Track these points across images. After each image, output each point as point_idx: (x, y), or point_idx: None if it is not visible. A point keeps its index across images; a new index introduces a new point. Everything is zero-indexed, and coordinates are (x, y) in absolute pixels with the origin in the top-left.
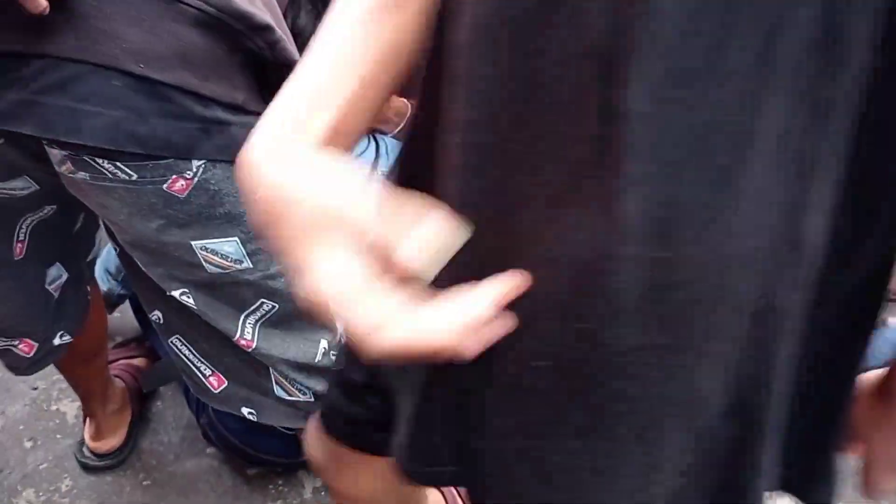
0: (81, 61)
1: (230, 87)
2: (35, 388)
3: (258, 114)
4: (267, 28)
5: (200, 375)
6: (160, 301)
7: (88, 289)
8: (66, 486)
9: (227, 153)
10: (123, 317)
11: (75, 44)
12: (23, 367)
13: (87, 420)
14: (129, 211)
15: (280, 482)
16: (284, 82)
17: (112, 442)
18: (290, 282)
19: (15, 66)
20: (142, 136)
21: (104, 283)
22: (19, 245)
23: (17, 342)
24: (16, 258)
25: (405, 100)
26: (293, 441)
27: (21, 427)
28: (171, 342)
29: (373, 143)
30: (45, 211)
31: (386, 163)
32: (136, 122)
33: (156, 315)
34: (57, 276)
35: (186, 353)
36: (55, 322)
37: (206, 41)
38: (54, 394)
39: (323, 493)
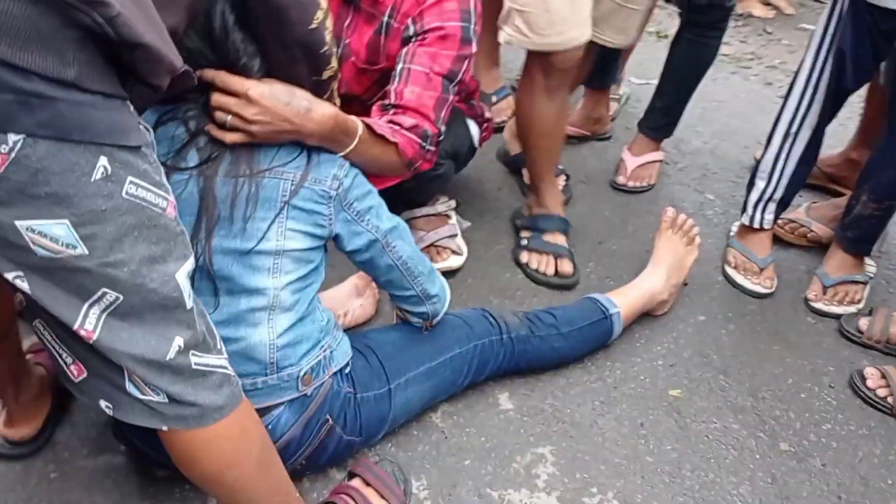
0: None
1: (59, 61)
2: None
3: (99, 93)
4: (100, 3)
5: (62, 363)
6: (9, 283)
7: None
8: None
9: (53, 129)
10: None
11: None
12: None
13: (2, 407)
14: None
15: (187, 486)
16: (136, 62)
17: (24, 430)
18: (137, 271)
19: None
20: None
21: None
22: None
23: None
24: None
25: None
26: None
27: None
28: (35, 325)
29: (304, 153)
30: None
31: (318, 172)
32: None
33: (18, 298)
34: None
35: (48, 336)
36: None
37: (28, 11)
38: None
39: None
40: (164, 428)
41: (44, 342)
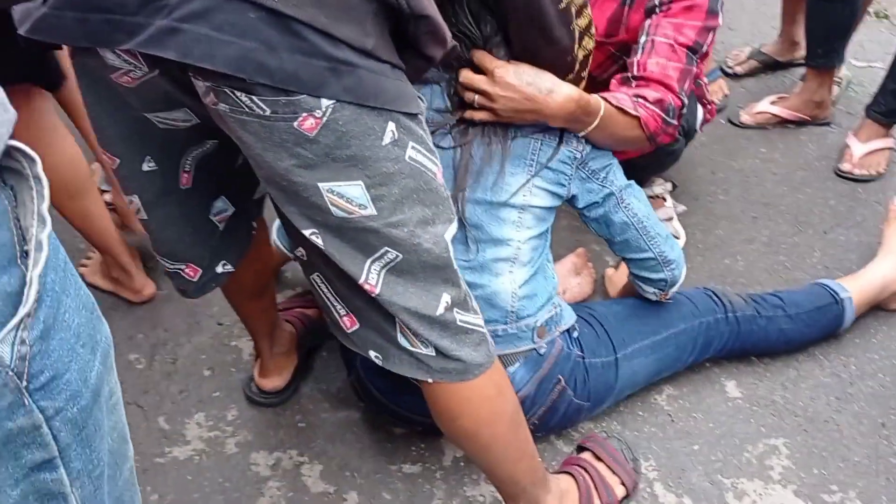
0: None
1: (361, 32)
2: (220, 324)
3: (388, 62)
4: None
5: (336, 314)
6: (300, 238)
7: (254, 224)
8: (232, 415)
9: (355, 95)
10: None
11: None
12: (189, 289)
13: (256, 358)
14: (262, 146)
15: (422, 445)
16: (420, 33)
17: (276, 381)
18: (413, 232)
19: None
20: (271, 67)
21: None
22: (185, 175)
23: (183, 266)
24: (182, 186)
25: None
26: None
27: (202, 356)
28: (313, 278)
29: None
30: (208, 146)
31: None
32: (266, 54)
33: (300, 251)
34: (222, 208)
35: (325, 290)
36: (219, 251)
37: None
38: (235, 331)
39: (462, 464)
40: (430, 380)
41: (319, 294)
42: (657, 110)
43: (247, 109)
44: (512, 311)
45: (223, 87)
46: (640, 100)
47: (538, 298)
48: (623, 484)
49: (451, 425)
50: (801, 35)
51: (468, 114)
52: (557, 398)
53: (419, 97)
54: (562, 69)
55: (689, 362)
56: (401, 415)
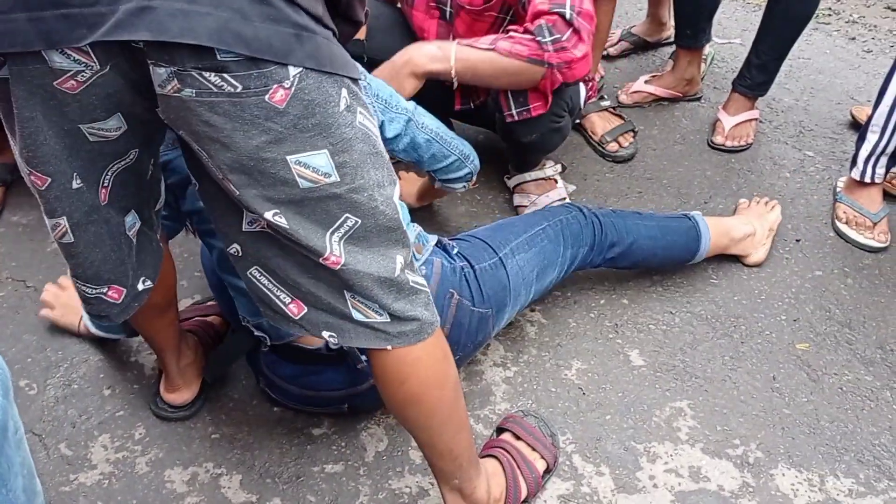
0: None
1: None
2: (116, 341)
3: (331, 29)
4: None
5: (280, 303)
6: (239, 233)
7: (159, 237)
8: (140, 433)
9: (316, 61)
10: (203, 278)
11: None
12: (113, 313)
13: (163, 373)
14: (232, 125)
15: (343, 444)
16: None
17: (185, 395)
18: (372, 195)
19: None
20: (247, 36)
21: None
22: (104, 190)
23: (106, 289)
24: (101, 203)
25: None
26: (347, 370)
27: (101, 375)
28: (250, 273)
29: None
30: (130, 157)
31: None
32: (242, 23)
33: (234, 248)
34: (132, 222)
35: (265, 282)
36: (137, 267)
37: None
38: (134, 346)
39: (384, 458)
40: (389, 347)
41: (257, 288)
42: (526, 37)
43: (216, 90)
44: None
45: (190, 70)
46: (509, 33)
47: None
48: (544, 459)
49: (398, 389)
50: (666, 15)
51: None
52: (457, 311)
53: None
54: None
55: (569, 257)
56: (317, 397)
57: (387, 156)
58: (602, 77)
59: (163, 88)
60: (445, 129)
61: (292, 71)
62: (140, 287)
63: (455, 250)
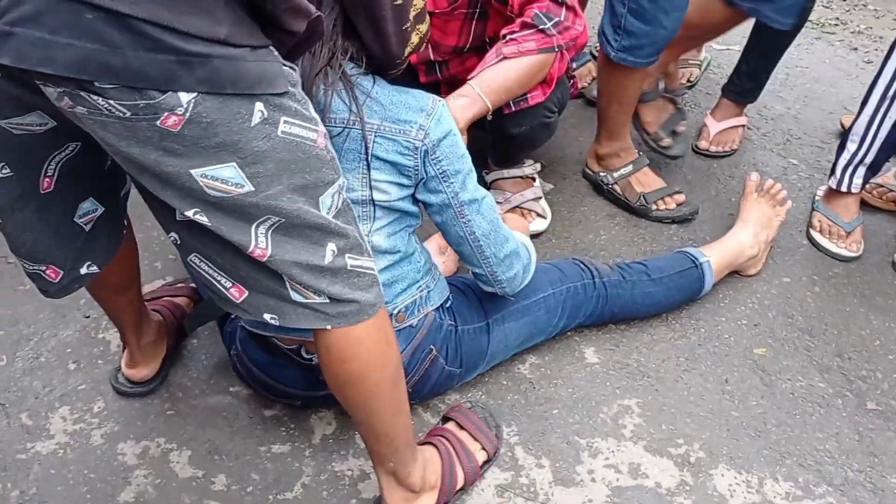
0: None
1: (212, 21)
2: (87, 317)
3: (246, 46)
4: None
5: (221, 288)
6: (173, 223)
7: (125, 223)
8: (98, 407)
9: (211, 85)
10: (177, 260)
11: None
12: (51, 290)
13: (124, 349)
14: (126, 143)
15: (293, 426)
16: (277, 11)
17: (143, 371)
18: (292, 198)
19: None
20: (115, 67)
21: None
22: (47, 179)
23: (43, 268)
24: (42, 191)
25: None
26: (311, 374)
27: (69, 350)
28: (190, 260)
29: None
30: (71, 148)
31: (397, 115)
32: (109, 55)
33: (172, 236)
34: (90, 209)
35: (205, 268)
36: (83, 253)
37: None
38: (103, 323)
39: (331, 441)
40: (328, 327)
41: (199, 273)
42: (527, 32)
43: (105, 112)
44: None
45: (77, 91)
46: (507, 39)
47: (397, 285)
48: (484, 449)
49: (340, 368)
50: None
51: None
52: (430, 366)
53: (290, 67)
54: (388, 66)
55: (561, 327)
56: (276, 388)
57: (326, 154)
58: (594, 79)
59: (59, 103)
60: (497, 242)
61: (185, 97)
62: (83, 271)
63: (448, 304)
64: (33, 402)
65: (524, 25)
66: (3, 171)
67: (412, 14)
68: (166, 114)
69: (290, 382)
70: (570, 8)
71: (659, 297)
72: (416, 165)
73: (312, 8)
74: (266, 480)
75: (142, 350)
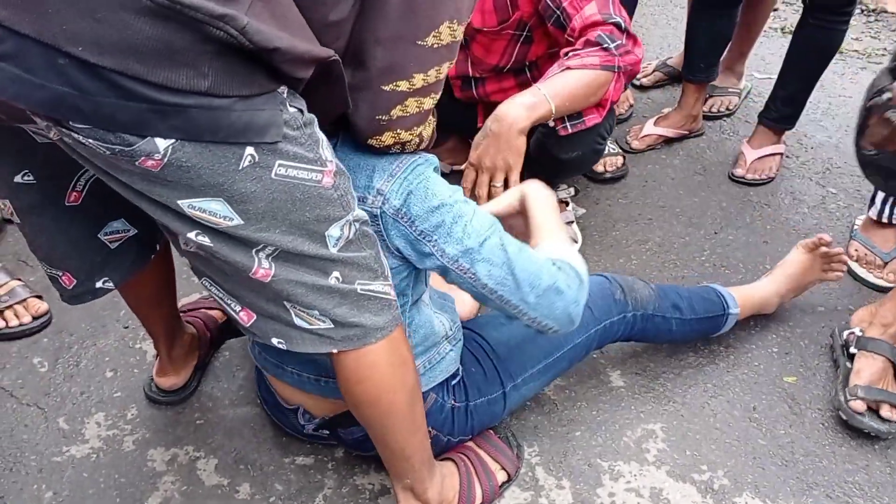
0: (27, 36)
1: (194, 74)
2: (126, 327)
3: (234, 96)
4: (225, 16)
5: (232, 311)
6: (181, 248)
7: (157, 247)
8: (132, 414)
9: (185, 133)
10: None
11: (25, 17)
12: (65, 296)
13: (157, 357)
14: (115, 171)
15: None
16: (275, 63)
17: (172, 380)
18: (288, 231)
19: None
20: (85, 111)
21: None
22: (75, 193)
23: (59, 273)
24: (68, 203)
25: None
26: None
27: (107, 359)
28: (203, 282)
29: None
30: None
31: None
32: (79, 99)
33: (186, 260)
34: (121, 228)
35: (216, 291)
36: (102, 268)
37: (161, 31)
38: (141, 333)
39: (353, 455)
40: (335, 350)
41: (214, 296)
42: (591, 49)
43: (89, 147)
44: None
45: (62, 123)
46: (570, 54)
47: None
48: (505, 470)
49: (354, 389)
50: None
51: None
52: (431, 442)
53: (297, 109)
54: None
55: (583, 358)
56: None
57: (332, 193)
58: (631, 106)
59: (48, 133)
60: (517, 287)
61: (161, 143)
62: (98, 285)
63: (455, 381)
64: (71, 408)
65: (587, 43)
66: (26, 178)
67: (412, 110)
68: (143, 158)
69: (292, 428)
70: (630, 35)
71: (678, 335)
72: (382, 231)
73: (325, 52)
74: (289, 491)
75: (172, 360)
